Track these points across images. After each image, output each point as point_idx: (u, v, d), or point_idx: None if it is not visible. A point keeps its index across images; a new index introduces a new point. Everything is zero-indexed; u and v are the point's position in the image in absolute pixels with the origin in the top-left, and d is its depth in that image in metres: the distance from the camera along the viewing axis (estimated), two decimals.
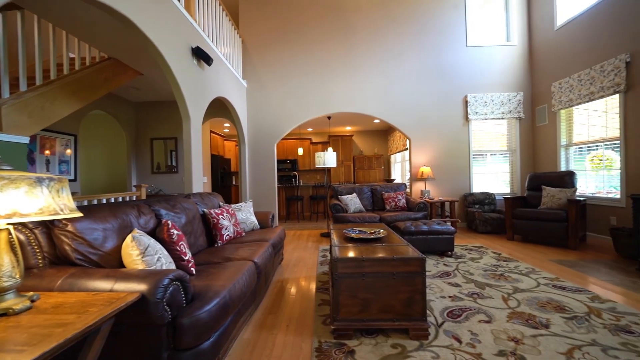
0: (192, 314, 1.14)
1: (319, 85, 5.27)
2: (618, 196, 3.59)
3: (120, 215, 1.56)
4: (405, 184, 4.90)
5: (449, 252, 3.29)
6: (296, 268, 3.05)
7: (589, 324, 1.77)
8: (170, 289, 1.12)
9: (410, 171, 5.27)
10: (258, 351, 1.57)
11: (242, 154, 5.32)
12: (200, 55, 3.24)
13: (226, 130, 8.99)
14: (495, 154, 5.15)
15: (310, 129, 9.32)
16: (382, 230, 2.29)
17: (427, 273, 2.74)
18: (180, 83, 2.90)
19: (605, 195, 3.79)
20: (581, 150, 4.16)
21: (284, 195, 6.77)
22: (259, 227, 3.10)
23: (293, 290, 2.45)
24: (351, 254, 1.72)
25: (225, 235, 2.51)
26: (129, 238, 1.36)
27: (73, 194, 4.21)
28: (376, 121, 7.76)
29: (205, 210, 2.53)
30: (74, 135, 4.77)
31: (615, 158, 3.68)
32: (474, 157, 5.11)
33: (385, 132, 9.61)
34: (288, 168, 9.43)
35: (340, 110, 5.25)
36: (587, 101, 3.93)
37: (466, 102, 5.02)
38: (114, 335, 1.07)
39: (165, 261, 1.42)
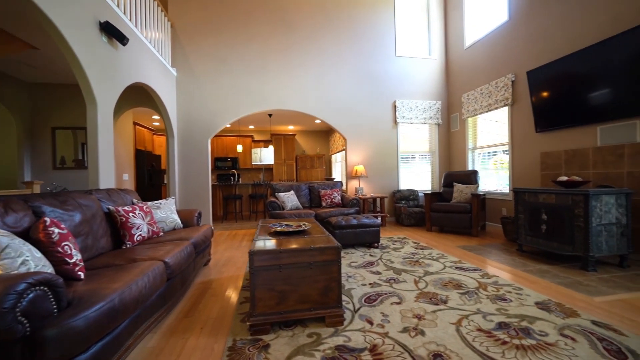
0: (62, 323, 0.97)
1: (257, 80, 5.13)
2: (507, 191, 4.35)
3: None
4: (341, 182, 5.10)
5: (376, 244, 3.53)
6: (224, 268, 2.89)
7: (477, 296, 2.08)
8: (30, 295, 0.93)
9: (345, 169, 5.51)
10: (162, 359, 1.43)
11: (171, 149, 4.85)
12: (112, 33, 2.84)
13: (156, 123, 8.12)
14: (420, 155, 5.73)
15: (251, 127, 9.04)
16: (307, 224, 2.32)
17: (353, 264, 2.89)
18: (82, 61, 2.49)
19: (500, 191, 4.54)
20: (488, 154, 4.91)
21: (221, 194, 6.40)
22: (181, 226, 2.85)
23: (216, 291, 2.31)
24: (269, 247, 1.69)
25: (136, 236, 2.24)
26: None
27: None
28: (317, 121, 7.93)
29: (112, 207, 2.21)
30: None
31: (507, 160, 4.45)
32: (401, 157, 5.60)
33: (326, 132, 9.88)
34: (228, 166, 8.97)
35: (279, 108, 5.20)
36: (487, 111, 4.66)
37: (395, 106, 5.48)
38: None
39: (35, 265, 1.18)
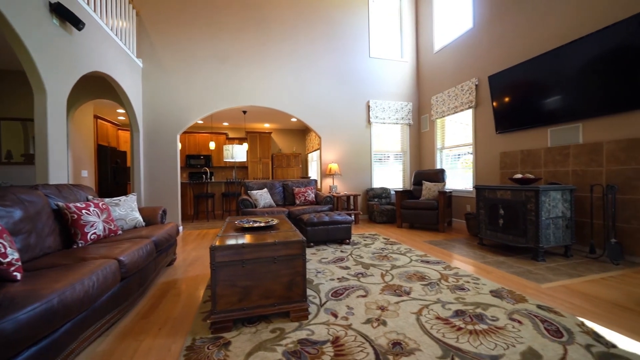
0: None
1: (230, 75, 4.99)
2: (471, 189, 4.60)
3: None
4: (315, 180, 5.11)
5: (347, 240, 3.57)
6: (191, 267, 2.79)
7: (438, 287, 2.17)
8: None
9: (320, 167, 5.54)
10: None
11: (136, 144, 4.58)
12: (65, 16, 2.62)
13: (121, 117, 7.64)
14: (394, 155, 5.89)
15: (226, 123, 8.79)
16: (276, 220, 2.30)
17: (324, 260, 2.90)
18: (28, 45, 2.27)
19: (466, 189, 4.79)
20: (458, 155, 5.15)
21: (192, 192, 6.17)
22: (143, 224, 2.70)
23: (179, 290, 2.22)
24: (232, 242, 1.65)
25: (90, 234, 2.09)
26: None
27: None
28: (293, 120, 7.89)
29: (61, 204, 2.04)
30: None
31: (471, 160, 4.70)
32: (376, 157, 5.72)
33: (303, 131, 9.86)
34: (201, 164, 8.66)
35: (253, 104, 5.10)
36: (454, 113, 4.90)
37: (369, 106, 5.59)
38: None
39: None
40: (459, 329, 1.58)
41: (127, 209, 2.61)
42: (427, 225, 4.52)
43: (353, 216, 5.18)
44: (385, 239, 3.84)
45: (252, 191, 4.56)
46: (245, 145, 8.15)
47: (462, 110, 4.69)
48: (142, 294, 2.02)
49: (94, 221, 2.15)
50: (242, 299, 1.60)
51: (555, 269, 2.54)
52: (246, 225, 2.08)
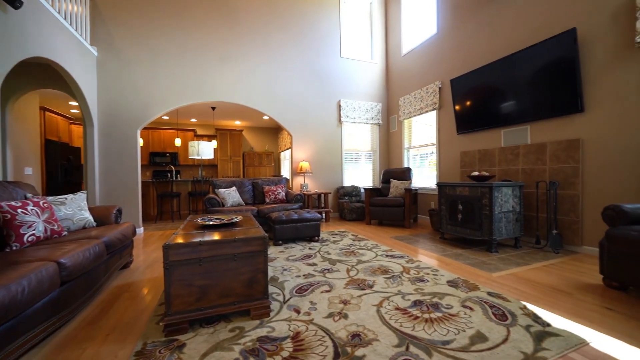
0: None
1: (197, 69, 4.78)
2: (435, 186, 4.83)
3: None
4: (286, 178, 5.07)
5: (316, 238, 3.58)
6: (149, 270, 2.62)
7: (400, 279, 2.25)
8: None
9: (291, 166, 5.50)
10: None
11: (90, 139, 4.22)
12: None
13: (75, 110, 7.03)
14: (365, 154, 6.01)
15: (193, 120, 8.42)
16: (240, 217, 2.24)
17: (291, 257, 2.88)
18: None
19: (431, 186, 5.02)
20: (426, 154, 5.37)
21: (156, 191, 5.82)
22: (94, 224, 2.50)
23: (133, 294, 2.08)
24: (188, 239, 1.57)
25: (27, 236, 1.88)
26: None
27: None
28: (265, 118, 7.76)
29: None
30: None
31: (435, 159, 4.94)
32: (346, 155, 5.80)
33: (275, 129, 9.74)
34: (166, 162, 8.22)
35: (222, 100, 4.93)
36: (420, 114, 5.11)
37: (340, 106, 5.66)
38: None
39: None
40: (416, 318, 1.65)
41: (74, 208, 2.39)
42: (394, 221, 4.68)
43: (324, 214, 5.21)
44: (353, 235, 3.91)
45: (220, 190, 4.41)
46: (214, 143, 7.88)
47: (427, 111, 4.91)
48: (90, 298, 1.86)
49: (33, 221, 1.94)
50: (200, 299, 1.53)
51: (505, 259, 2.74)
52: (207, 223, 2.00)
